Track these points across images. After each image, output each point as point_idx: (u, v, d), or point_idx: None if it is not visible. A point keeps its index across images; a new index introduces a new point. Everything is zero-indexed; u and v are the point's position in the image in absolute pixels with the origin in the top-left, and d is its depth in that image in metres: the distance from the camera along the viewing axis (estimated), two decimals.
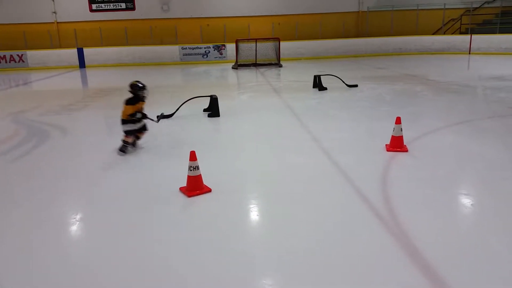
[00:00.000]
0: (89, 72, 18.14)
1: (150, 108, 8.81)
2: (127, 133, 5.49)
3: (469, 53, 20.41)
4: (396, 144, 5.40)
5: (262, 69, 16.94)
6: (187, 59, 20.97)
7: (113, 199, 4.11)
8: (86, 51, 20.48)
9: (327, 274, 2.76)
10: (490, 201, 3.84)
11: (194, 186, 4.15)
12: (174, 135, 6.70)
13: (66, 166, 5.28)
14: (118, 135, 5.64)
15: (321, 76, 10.87)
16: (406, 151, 5.31)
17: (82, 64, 20.32)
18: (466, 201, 3.93)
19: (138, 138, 5.75)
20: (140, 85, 5.48)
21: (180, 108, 7.88)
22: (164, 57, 20.91)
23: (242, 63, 18.07)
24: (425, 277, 2.67)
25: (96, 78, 16.10)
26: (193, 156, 4.11)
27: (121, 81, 14.19)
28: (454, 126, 6.57)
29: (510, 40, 19.39)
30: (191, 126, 7.29)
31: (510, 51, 19.15)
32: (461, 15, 22.40)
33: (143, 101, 5.61)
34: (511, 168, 4.64)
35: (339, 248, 3.09)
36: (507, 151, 5.24)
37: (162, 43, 21.54)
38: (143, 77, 15.34)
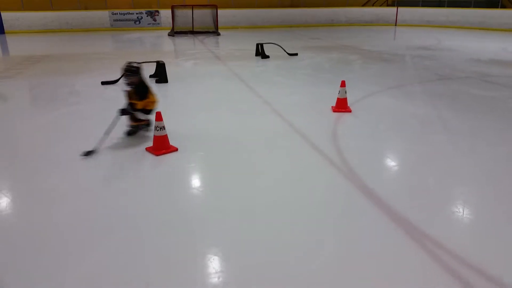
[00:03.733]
0: (9, 38, 16.65)
1: (90, 76, 8.57)
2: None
3: (396, 25, 21.83)
4: (341, 106, 5.91)
5: (200, 37, 16.76)
6: (118, 25, 19.96)
7: (84, 160, 4.13)
8: (5, 15, 18.67)
9: (292, 213, 3.14)
10: (422, 148, 4.48)
11: (161, 146, 4.29)
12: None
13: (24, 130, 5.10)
14: (64, 102, 5.50)
15: (263, 45, 11.14)
16: (350, 111, 5.84)
17: (0, 30, 18.54)
18: (404, 149, 4.55)
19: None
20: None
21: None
22: (94, 23, 19.74)
23: (178, 30, 17.69)
24: (378, 207, 3.16)
25: (19, 45, 14.86)
26: (159, 117, 4.23)
27: (49, 48, 13.37)
28: (389, 90, 7.25)
29: (432, 13, 21.07)
30: None
31: (431, 23, 20.82)
32: None
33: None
34: (439, 124, 5.35)
35: (305, 192, 3.50)
36: (435, 110, 5.97)
37: (89, 8, 20.26)
38: (71, 44, 14.56)
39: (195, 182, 3.78)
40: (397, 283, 2.36)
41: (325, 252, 2.65)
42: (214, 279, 2.39)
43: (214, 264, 2.53)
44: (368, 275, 2.42)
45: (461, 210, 3.16)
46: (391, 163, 4.28)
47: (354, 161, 4.10)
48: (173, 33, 17.45)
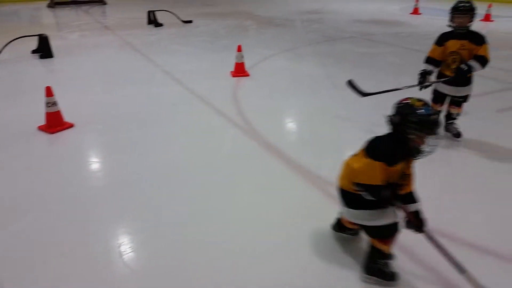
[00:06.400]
0: None
1: None
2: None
3: None
4: (239, 70, 6.07)
5: (84, 7, 15.48)
6: None
7: None
8: None
9: (202, 166, 3.27)
10: (316, 101, 4.92)
11: (55, 123, 4.03)
12: (6, 81, 5.97)
13: None
14: None
15: (155, 12, 10.72)
16: (248, 75, 6.03)
17: None
18: (299, 105, 4.90)
19: None
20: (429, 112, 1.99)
21: (1, 51, 6.93)
22: None
23: (59, 1, 16.09)
24: (280, 159, 3.42)
25: None
26: (49, 92, 3.95)
27: None
28: (283, 53, 7.59)
29: None
30: (23, 69, 6.54)
31: None
32: None
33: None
34: (327, 80, 5.82)
35: (212, 152, 3.62)
36: (324, 69, 6.46)
37: None
38: None
39: (94, 158, 3.65)
40: (296, 216, 2.63)
41: (237, 200, 2.83)
42: (115, 254, 2.42)
43: (110, 242, 2.55)
44: (275, 214, 2.66)
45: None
46: (288, 118, 4.60)
47: (256, 120, 4.32)
48: (53, 4, 15.81)
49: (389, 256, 2.08)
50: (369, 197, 1.92)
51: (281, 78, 6.00)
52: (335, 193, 2.17)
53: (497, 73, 5.95)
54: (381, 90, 3.83)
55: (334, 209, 2.54)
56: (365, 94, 3.87)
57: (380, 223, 1.98)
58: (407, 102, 1.93)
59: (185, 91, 5.33)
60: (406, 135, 1.88)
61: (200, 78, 5.99)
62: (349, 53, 7.60)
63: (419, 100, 1.91)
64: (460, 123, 3.87)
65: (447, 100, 3.75)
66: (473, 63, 3.39)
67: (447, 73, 3.58)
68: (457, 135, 3.82)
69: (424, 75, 3.59)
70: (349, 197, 2.05)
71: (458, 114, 3.80)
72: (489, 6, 11.45)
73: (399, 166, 1.90)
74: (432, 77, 3.69)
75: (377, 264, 2.10)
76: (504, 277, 2.16)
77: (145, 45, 8.32)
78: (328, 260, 2.28)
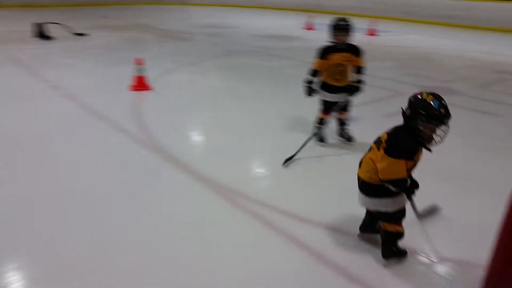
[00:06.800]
0: None
1: None
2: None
3: (185, 4, 22.39)
4: (140, 84, 5.85)
5: None
6: None
7: None
8: None
9: (101, 188, 3.05)
10: (219, 113, 4.90)
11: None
12: None
13: None
14: None
15: (43, 25, 9.90)
16: (149, 89, 5.84)
17: None
18: (203, 116, 4.85)
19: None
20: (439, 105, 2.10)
21: None
22: None
23: None
24: (186, 173, 3.34)
25: None
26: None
27: None
28: (185, 67, 7.52)
29: None
30: None
31: (221, 2, 22.02)
32: None
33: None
34: (230, 93, 5.90)
35: (112, 170, 3.39)
36: (226, 82, 6.54)
37: None
38: None
39: None
40: (203, 227, 2.58)
41: (143, 222, 2.67)
42: None
43: None
44: (184, 226, 2.57)
45: (248, 162, 3.63)
46: (193, 131, 4.55)
47: (159, 134, 4.18)
48: None
49: (403, 234, 2.33)
50: (393, 189, 2.18)
51: (184, 92, 5.92)
52: (243, 202, 2.16)
53: (382, 82, 6.59)
54: (295, 153, 3.69)
55: (242, 216, 2.54)
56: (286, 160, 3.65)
57: (399, 207, 2.25)
58: (419, 96, 2.12)
59: (78, 108, 4.95)
60: (417, 126, 2.10)
61: (96, 92, 5.65)
62: (250, 67, 7.81)
63: (430, 94, 2.11)
64: (352, 129, 4.18)
65: (337, 107, 4.00)
66: (359, 77, 3.81)
67: (332, 82, 3.86)
68: (349, 139, 4.13)
69: (310, 84, 3.87)
70: (371, 189, 2.27)
71: (347, 119, 4.11)
72: (372, 22, 12.70)
73: (416, 157, 2.19)
74: (316, 86, 3.91)
75: (392, 248, 2.34)
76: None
77: (33, 59, 7.62)
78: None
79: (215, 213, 2.83)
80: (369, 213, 2.47)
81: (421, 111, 2.07)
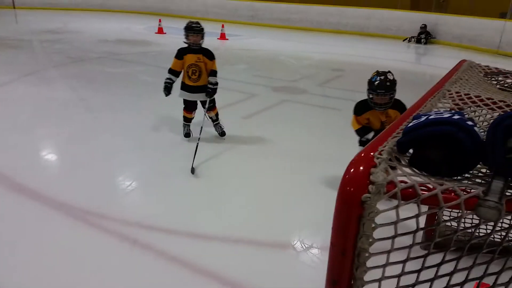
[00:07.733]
0: None
1: None
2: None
3: (14, 7, 19.71)
4: None
5: None
6: None
7: None
8: None
9: None
10: (69, 127, 4.47)
11: None
12: None
13: None
14: None
15: None
16: None
17: None
18: (50, 134, 4.37)
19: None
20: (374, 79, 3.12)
21: None
22: None
23: None
24: (36, 200, 2.97)
25: None
26: None
27: None
28: (23, 78, 6.63)
29: None
30: None
31: (54, 6, 19.95)
32: None
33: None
34: (81, 104, 5.42)
35: None
36: (74, 92, 5.98)
37: None
38: None
39: None
40: (70, 255, 2.34)
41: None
42: None
43: None
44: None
45: (111, 179, 3.43)
46: (39, 152, 4.02)
47: None
48: None
49: None
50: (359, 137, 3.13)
51: (25, 106, 5.22)
52: (106, 224, 2.02)
53: (238, 85, 6.86)
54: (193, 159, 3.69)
55: (108, 239, 2.37)
56: None
57: None
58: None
59: None
60: (368, 94, 2.97)
61: None
62: (100, 74, 7.30)
63: (378, 71, 2.95)
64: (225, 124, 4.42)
65: (203, 105, 4.17)
66: (213, 79, 4.06)
67: (189, 83, 4.09)
68: (222, 134, 4.43)
69: (168, 83, 4.09)
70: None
71: (217, 115, 4.36)
72: (223, 26, 13.13)
73: (366, 115, 3.07)
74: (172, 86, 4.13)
75: None
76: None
77: None
78: None
79: (75, 240, 2.58)
80: None
81: (367, 84, 2.93)
